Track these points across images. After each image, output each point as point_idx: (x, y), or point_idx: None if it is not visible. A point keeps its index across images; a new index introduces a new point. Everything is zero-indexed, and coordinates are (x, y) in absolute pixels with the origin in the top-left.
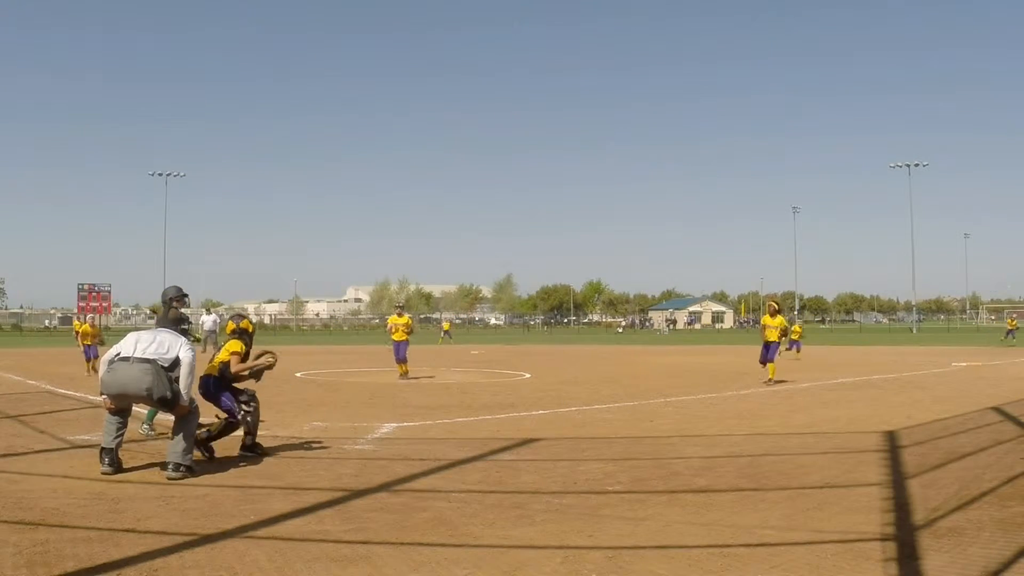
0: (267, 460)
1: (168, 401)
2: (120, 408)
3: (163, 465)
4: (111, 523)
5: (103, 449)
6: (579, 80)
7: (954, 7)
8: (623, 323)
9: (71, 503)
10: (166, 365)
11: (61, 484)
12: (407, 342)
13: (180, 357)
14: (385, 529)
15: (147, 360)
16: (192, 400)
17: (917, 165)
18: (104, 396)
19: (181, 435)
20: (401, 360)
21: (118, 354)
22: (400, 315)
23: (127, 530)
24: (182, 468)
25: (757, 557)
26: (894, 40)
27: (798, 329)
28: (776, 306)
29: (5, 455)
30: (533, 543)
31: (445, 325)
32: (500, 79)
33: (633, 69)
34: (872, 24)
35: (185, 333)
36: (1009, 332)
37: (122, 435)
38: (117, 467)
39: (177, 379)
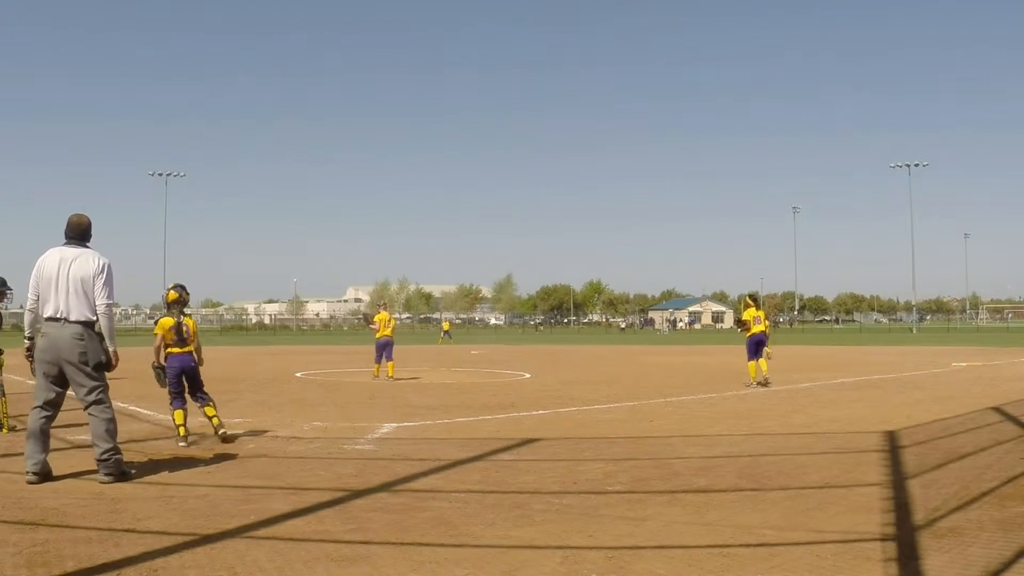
0: (267, 460)
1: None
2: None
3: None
4: (111, 523)
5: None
6: (579, 80)
7: (954, 7)
8: (624, 323)
9: (71, 503)
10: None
11: (61, 484)
12: (383, 340)
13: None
14: (385, 529)
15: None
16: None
17: (917, 165)
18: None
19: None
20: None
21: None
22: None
23: (127, 530)
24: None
25: (757, 557)
26: (894, 40)
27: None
28: (750, 301)
29: (5, 455)
30: (533, 543)
31: (445, 325)
32: (500, 78)
33: (633, 69)
34: (872, 24)
35: None
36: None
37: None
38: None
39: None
